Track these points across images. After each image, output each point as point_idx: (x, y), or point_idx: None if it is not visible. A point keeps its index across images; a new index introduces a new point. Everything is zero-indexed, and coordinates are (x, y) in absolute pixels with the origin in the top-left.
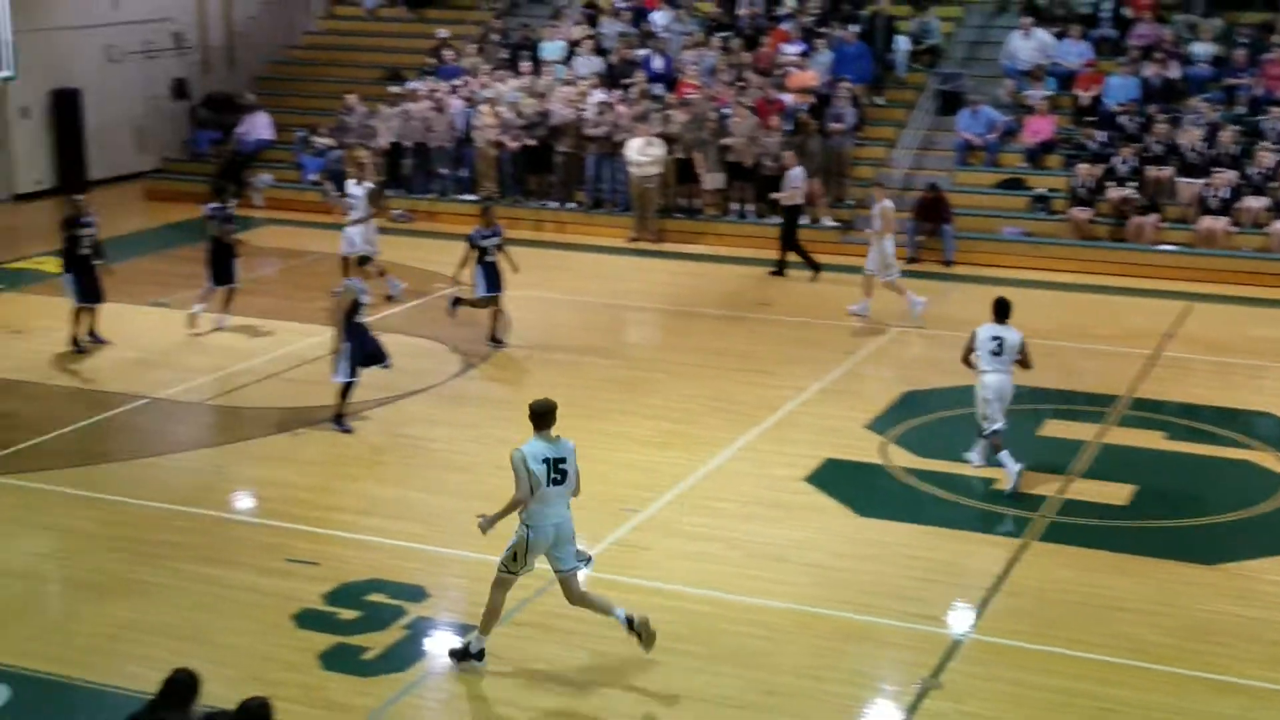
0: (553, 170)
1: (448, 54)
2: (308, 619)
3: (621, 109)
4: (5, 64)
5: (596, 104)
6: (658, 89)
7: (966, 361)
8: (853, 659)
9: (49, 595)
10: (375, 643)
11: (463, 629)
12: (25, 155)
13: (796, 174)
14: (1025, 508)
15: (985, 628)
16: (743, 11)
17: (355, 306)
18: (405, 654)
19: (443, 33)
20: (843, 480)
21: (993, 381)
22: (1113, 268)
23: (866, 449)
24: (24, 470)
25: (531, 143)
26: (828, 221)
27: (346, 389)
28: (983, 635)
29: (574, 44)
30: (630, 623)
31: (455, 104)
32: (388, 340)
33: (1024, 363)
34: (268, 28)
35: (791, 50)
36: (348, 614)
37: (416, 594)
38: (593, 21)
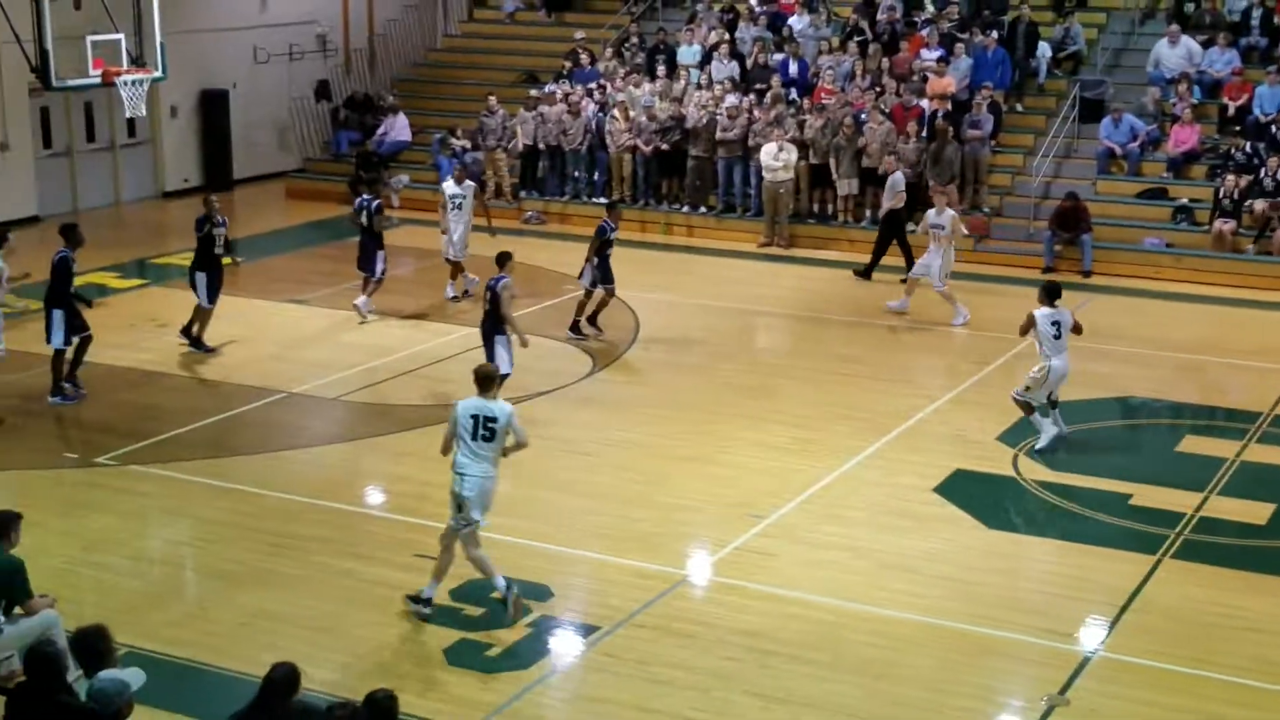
0: (685, 174)
1: (584, 57)
2: (434, 614)
3: (756, 113)
4: (156, 65)
5: (730, 108)
6: (793, 94)
7: (1023, 332)
8: (980, 673)
9: (186, 583)
10: (499, 640)
11: (586, 629)
12: (173, 154)
13: (898, 179)
14: (1161, 524)
15: (1115, 645)
16: (881, 17)
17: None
18: (528, 652)
19: (579, 36)
20: (973, 492)
21: (1060, 365)
22: (1256, 281)
23: (998, 460)
24: (165, 460)
25: (664, 147)
26: (963, 229)
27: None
28: (1112, 653)
29: (710, 48)
30: (508, 588)
31: (590, 107)
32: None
33: (1077, 330)
34: (409, 31)
35: (930, 56)
36: (473, 610)
37: (541, 593)
38: (730, 26)
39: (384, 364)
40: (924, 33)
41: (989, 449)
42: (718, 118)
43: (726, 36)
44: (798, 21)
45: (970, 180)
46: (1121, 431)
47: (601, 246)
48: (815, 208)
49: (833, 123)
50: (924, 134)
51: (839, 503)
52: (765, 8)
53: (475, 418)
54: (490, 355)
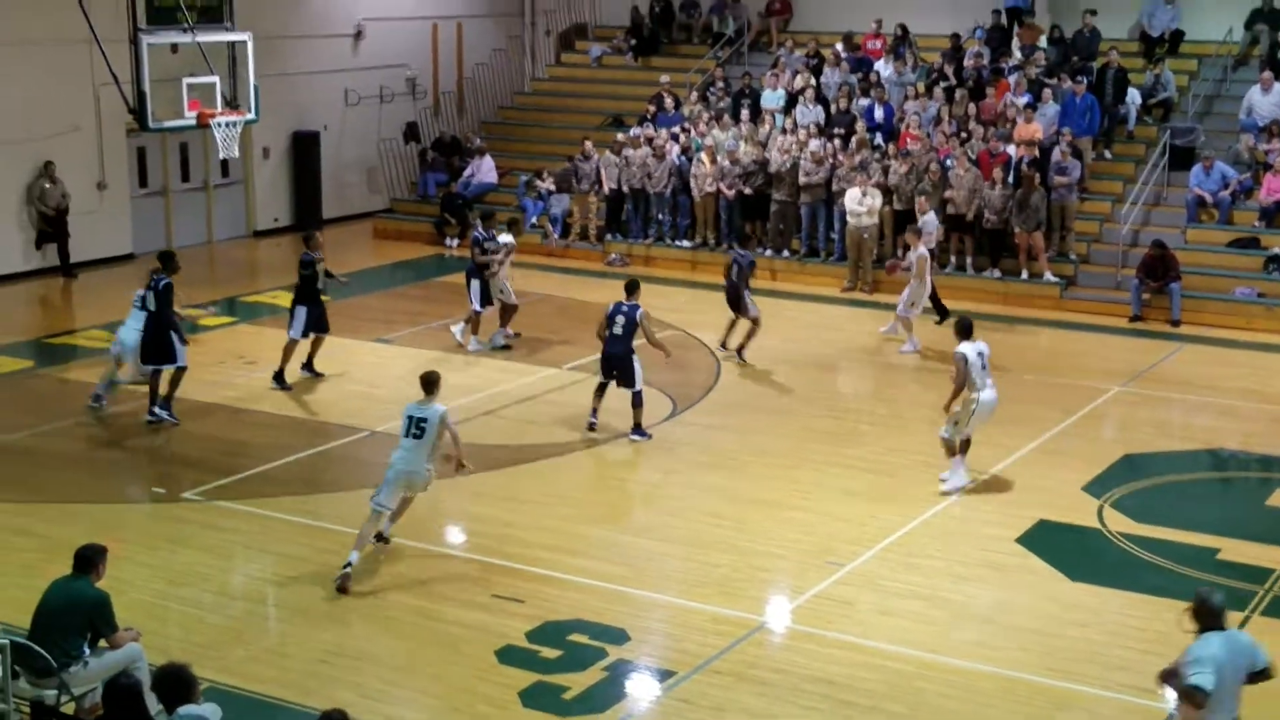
0: (768, 218)
1: (668, 101)
2: (510, 655)
3: (840, 158)
4: (250, 107)
5: (814, 153)
6: (878, 139)
7: (960, 381)
8: None
9: (267, 619)
10: (575, 683)
11: (662, 674)
12: (265, 194)
13: (930, 220)
14: (1250, 580)
15: None
16: (968, 63)
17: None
18: (604, 696)
19: (664, 80)
20: (1056, 543)
21: (990, 397)
22: None
23: (1082, 511)
24: (250, 496)
25: (747, 191)
26: (1050, 277)
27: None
28: None
29: (795, 93)
30: (347, 567)
31: (674, 151)
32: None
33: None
34: (497, 75)
35: (1017, 102)
36: (549, 653)
37: (618, 636)
38: (815, 71)
39: (467, 403)
40: (1011, 79)
41: (1073, 499)
42: (801, 162)
43: (812, 81)
44: (884, 67)
45: (1057, 227)
46: (1210, 484)
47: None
48: (899, 253)
49: (917, 168)
50: (1010, 180)
51: (919, 551)
52: (851, 53)
53: (410, 418)
54: (630, 376)
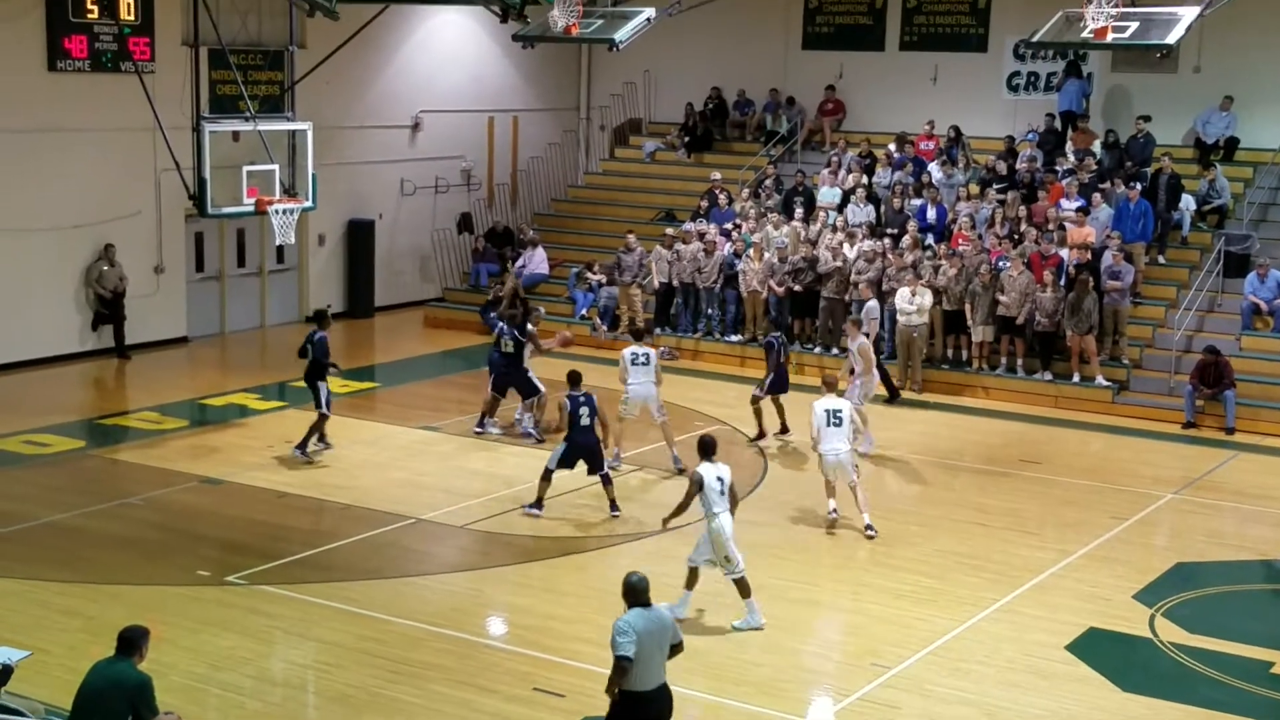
0: (817, 315)
1: (721, 197)
2: None
3: (890, 257)
4: (307, 195)
5: (865, 251)
6: (929, 239)
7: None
8: None
9: (306, 706)
10: None
11: None
12: (318, 280)
13: (873, 307)
14: None
15: None
16: (1020, 165)
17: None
18: None
19: (716, 176)
20: (1107, 651)
21: (721, 526)
22: None
23: (1134, 620)
24: (293, 581)
25: (796, 288)
26: (1102, 381)
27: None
28: None
29: (847, 191)
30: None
31: (725, 246)
32: (644, 476)
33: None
34: (551, 168)
35: (1070, 206)
36: None
37: None
38: (868, 170)
39: (511, 494)
40: (1064, 182)
41: (1124, 607)
42: (852, 261)
43: (864, 180)
44: (936, 168)
45: (1110, 331)
46: (1264, 596)
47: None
48: (949, 353)
49: (968, 269)
50: (1062, 283)
51: (967, 656)
52: (903, 154)
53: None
54: (599, 460)
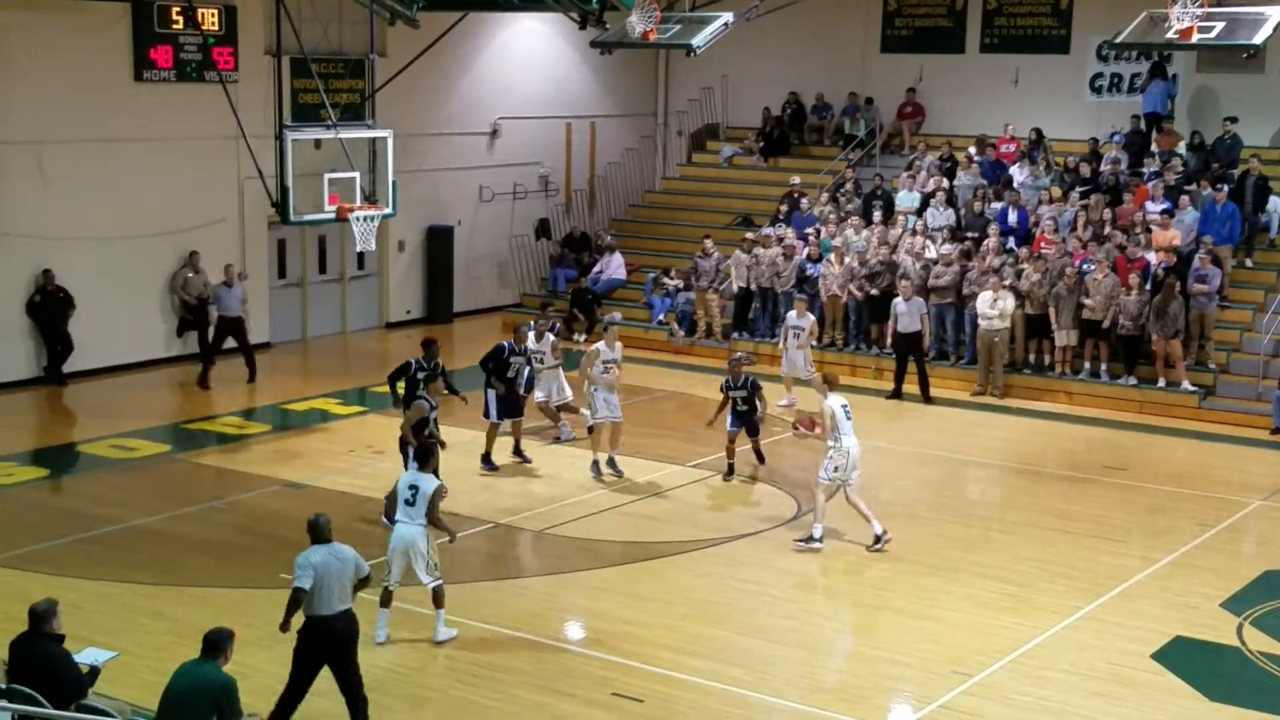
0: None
1: (803, 202)
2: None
3: (972, 261)
4: (388, 202)
5: (944, 255)
6: (1010, 243)
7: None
8: None
9: (386, 710)
10: None
11: None
12: (398, 286)
13: (913, 305)
14: None
15: None
16: (1105, 168)
17: None
18: None
19: (795, 181)
20: (1193, 660)
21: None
22: None
23: (1221, 629)
24: (373, 585)
25: (874, 292)
26: (1188, 386)
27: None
28: None
29: (927, 195)
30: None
31: (803, 251)
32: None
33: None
34: (628, 173)
35: (1155, 208)
36: None
37: None
38: (948, 174)
39: (590, 498)
40: (1149, 184)
41: (1211, 616)
42: (932, 264)
43: (944, 184)
44: (1017, 171)
45: (1196, 336)
46: None
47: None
48: (1031, 358)
49: (1051, 273)
50: (1148, 287)
51: (1050, 665)
52: (983, 157)
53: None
54: None
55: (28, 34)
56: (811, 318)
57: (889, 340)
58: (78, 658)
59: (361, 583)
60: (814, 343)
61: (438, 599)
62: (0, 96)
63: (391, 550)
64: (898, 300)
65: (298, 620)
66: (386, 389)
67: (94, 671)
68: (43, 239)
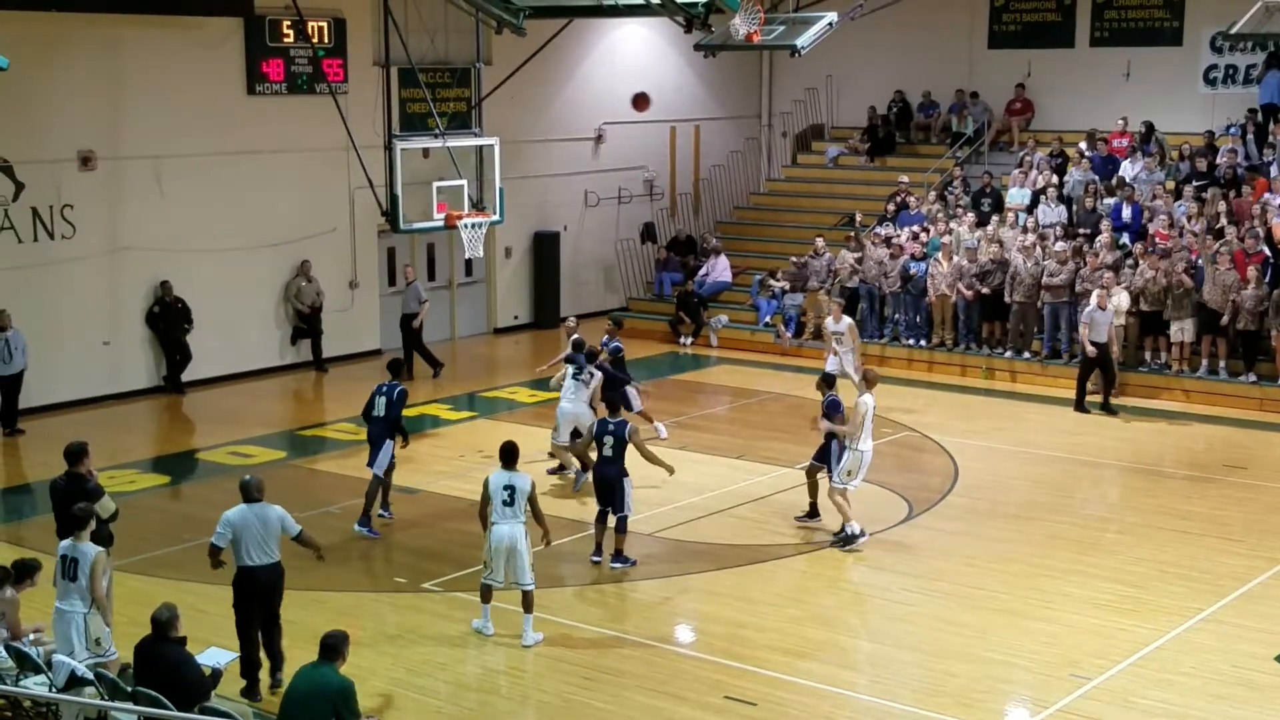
0: (1007, 318)
1: (911, 200)
2: None
3: (1085, 258)
4: (495, 209)
5: (1059, 253)
6: (1124, 239)
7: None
8: None
9: (500, 713)
10: None
11: None
12: (506, 292)
13: (1101, 315)
14: None
15: None
16: (1221, 160)
17: None
18: None
19: (903, 179)
20: None
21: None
22: None
23: None
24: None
25: (985, 290)
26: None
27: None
28: None
29: (1038, 192)
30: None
31: (912, 249)
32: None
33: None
34: (733, 176)
35: (1275, 200)
36: None
37: None
38: (1058, 170)
39: (700, 501)
40: (1271, 176)
41: None
42: (1044, 263)
43: (1055, 180)
44: (1129, 166)
45: None
46: None
47: None
48: (1147, 355)
49: (1168, 268)
50: (1267, 281)
51: (1171, 668)
52: (1095, 152)
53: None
54: (620, 501)
55: (143, 50)
56: (849, 320)
57: (1085, 349)
58: (200, 658)
59: (296, 540)
60: (922, 343)
61: (529, 603)
62: (119, 112)
63: (495, 550)
64: (1092, 308)
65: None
66: (498, 393)
67: (216, 674)
68: (161, 251)
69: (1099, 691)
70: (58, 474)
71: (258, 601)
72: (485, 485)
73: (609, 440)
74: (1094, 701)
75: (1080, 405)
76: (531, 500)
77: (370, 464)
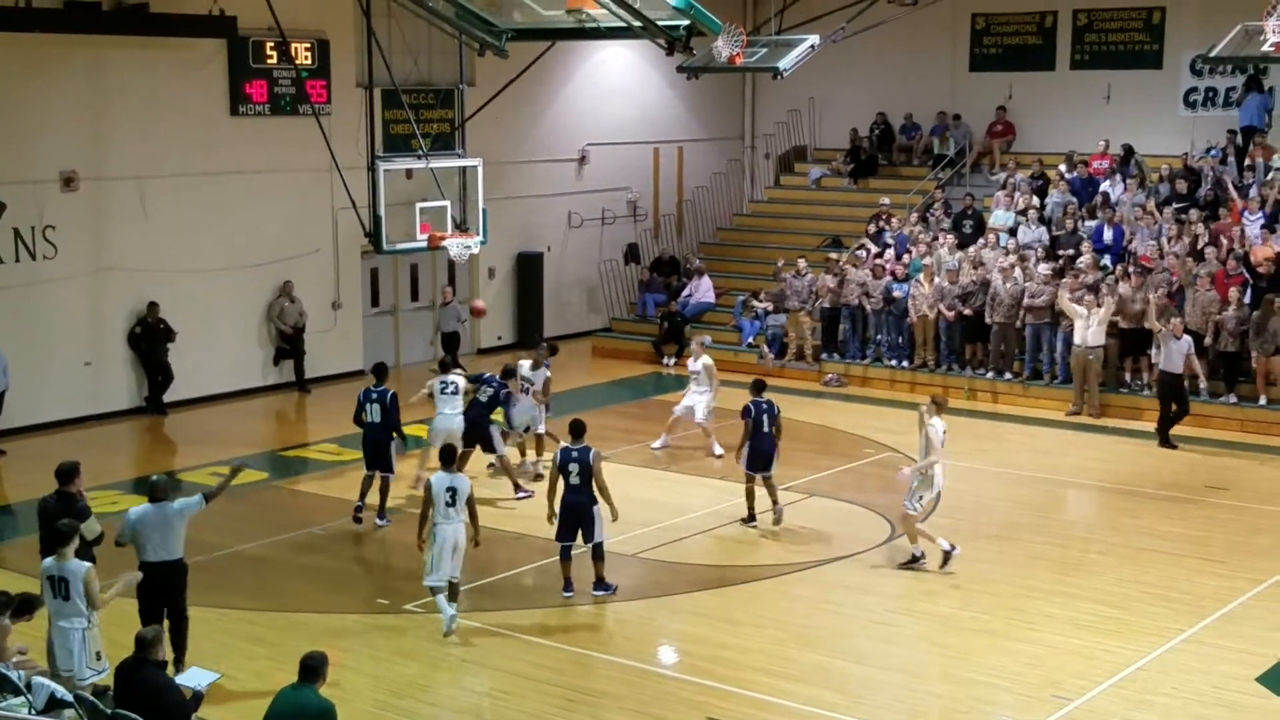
0: (989, 339)
1: (893, 222)
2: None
3: (1066, 280)
4: (478, 230)
5: (1039, 275)
6: (1105, 260)
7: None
8: None
9: None
10: None
11: None
12: (489, 312)
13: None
14: None
15: None
16: (1205, 182)
17: None
18: None
19: (884, 201)
20: None
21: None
22: None
23: None
24: (469, 610)
25: (966, 311)
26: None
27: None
28: None
29: (1019, 213)
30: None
31: (893, 271)
32: (816, 504)
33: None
34: (716, 197)
35: (1254, 221)
36: None
37: None
38: (1039, 192)
39: (683, 521)
40: (1249, 197)
41: None
42: (1024, 284)
43: (1035, 202)
44: (1111, 187)
45: None
46: None
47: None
48: (1127, 376)
49: (1148, 288)
50: (1246, 302)
51: (1152, 688)
52: (1075, 174)
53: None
54: (591, 527)
55: (127, 71)
56: (708, 360)
57: (1152, 379)
58: (181, 678)
59: (210, 499)
60: (904, 364)
61: (456, 594)
62: (102, 133)
63: (440, 548)
64: (1166, 335)
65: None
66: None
67: (197, 696)
68: (144, 271)
69: (1081, 712)
70: (43, 493)
71: (159, 598)
72: (428, 488)
73: (574, 468)
74: None
75: (1165, 440)
76: (470, 502)
77: (374, 467)
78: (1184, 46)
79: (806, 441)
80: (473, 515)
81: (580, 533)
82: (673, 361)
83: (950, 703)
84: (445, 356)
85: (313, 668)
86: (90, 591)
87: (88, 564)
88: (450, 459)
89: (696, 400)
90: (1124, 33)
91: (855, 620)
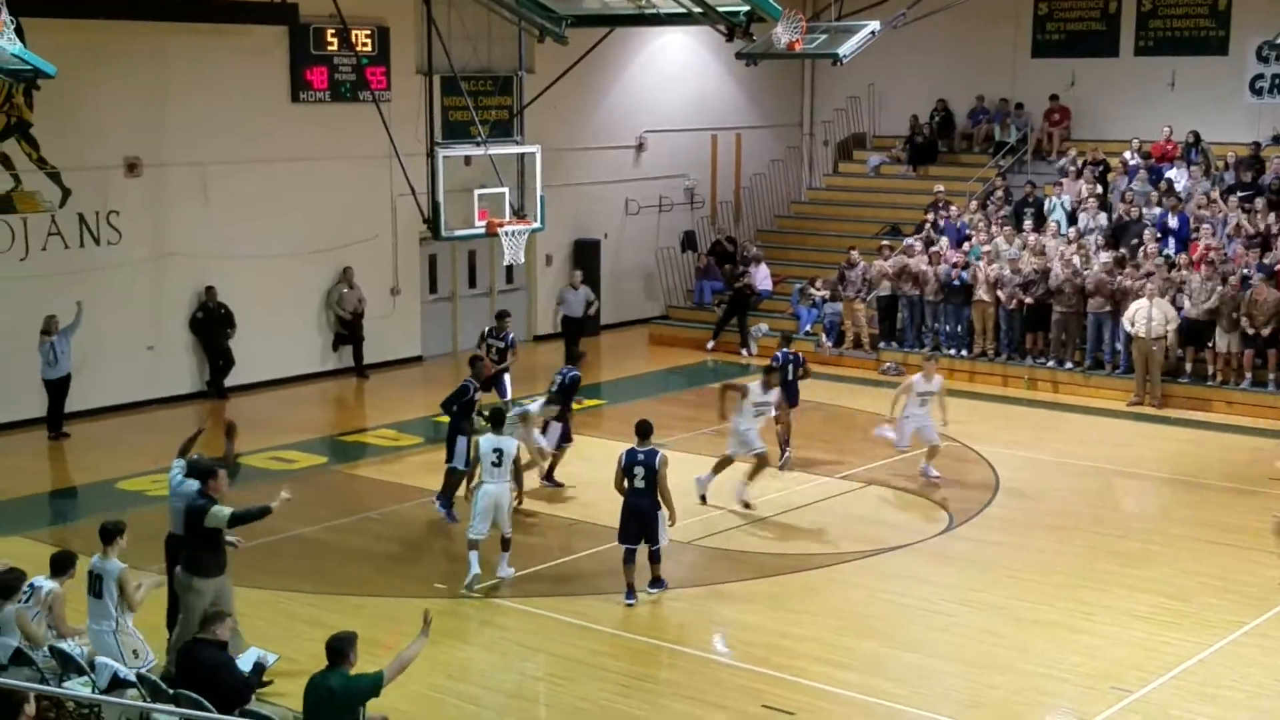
0: (1050, 328)
1: (952, 210)
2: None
3: (1129, 268)
4: (536, 216)
5: (1101, 263)
6: (1169, 248)
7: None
8: None
9: (538, 718)
10: None
11: None
12: (546, 299)
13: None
14: None
15: None
16: (1270, 171)
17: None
18: None
19: (941, 189)
20: None
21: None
22: None
23: None
24: (525, 595)
25: (1028, 300)
26: None
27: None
28: None
29: (1080, 201)
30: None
31: (953, 259)
32: (874, 493)
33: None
34: (774, 184)
35: None
36: None
37: None
38: (1102, 179)
39: (739, 511)
40: None
41: None
42: (1086, 272)
43: (1099, 189)
44: (1175, 175)
45: None
46: None
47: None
48: (1189, 366)
49: (1212, 279)
50: None
51: (1214, 681)
52: (1139, 161)
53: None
54: (655, 532)
55: (189, 58)
56: (940, 380)
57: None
58: (240, 658)
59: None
60: (963, 353)
61: (508, 544)
62: (165, 119)
63: (481, 508)
64: None
65: None
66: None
67: (259, 668)
68: (205, 257)
69: (1140, 705)
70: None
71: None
72: (476, 448)
73: (640, 470)
74: (1135, 715)
75: None
76: (516, 462)
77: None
78: (1250, 33)
79: (863, 430)
80: (517, 476)
81: (644, 536)
82: (711, 345)
83: (1007, 694)
84: (503, 402)
85: (338, 650)
86: (126, 591)
87: (122, 564)
88: (499, 422)
89: (926, 422)
90: (1189, 19)
91: (912, 610)
